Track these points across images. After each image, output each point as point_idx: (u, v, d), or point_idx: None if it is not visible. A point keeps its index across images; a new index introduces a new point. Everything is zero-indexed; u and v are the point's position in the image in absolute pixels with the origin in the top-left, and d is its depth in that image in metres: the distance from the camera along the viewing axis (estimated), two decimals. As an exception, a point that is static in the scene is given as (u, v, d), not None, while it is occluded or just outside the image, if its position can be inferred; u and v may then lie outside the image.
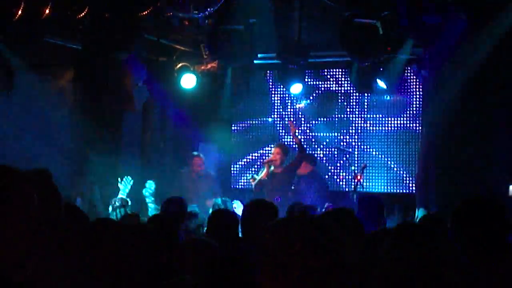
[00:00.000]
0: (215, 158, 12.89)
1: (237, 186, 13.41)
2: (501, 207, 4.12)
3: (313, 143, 13.30)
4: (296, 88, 12.15)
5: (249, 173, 12.26)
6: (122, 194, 9.98)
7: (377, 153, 12.77)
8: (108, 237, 3.15)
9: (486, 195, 4.43)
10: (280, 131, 13.47)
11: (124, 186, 10.00)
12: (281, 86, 12.80)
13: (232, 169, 13.54)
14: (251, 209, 5.76)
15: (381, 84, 11.64)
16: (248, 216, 5.65)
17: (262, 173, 11.24)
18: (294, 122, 12.64)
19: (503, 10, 8.98)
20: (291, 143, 12.76)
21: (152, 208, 9.97)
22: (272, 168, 11.18)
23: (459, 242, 4.01)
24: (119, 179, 10.22)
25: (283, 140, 13.17)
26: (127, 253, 3.14)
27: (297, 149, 11.46)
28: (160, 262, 4.68)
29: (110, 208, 9.62)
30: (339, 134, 13.14)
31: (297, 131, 11.95)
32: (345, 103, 13.14)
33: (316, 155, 13.06)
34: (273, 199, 9.53)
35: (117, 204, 9.59)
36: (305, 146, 12.06)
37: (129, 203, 9.82)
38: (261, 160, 12.20)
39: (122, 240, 3.16)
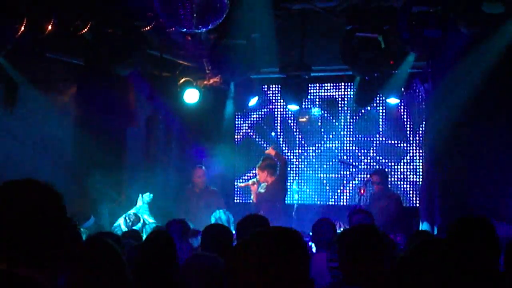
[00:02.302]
0: (218, 172, 12.89)
1: (241, 201, 13.41)
2: (491, 228, 4.14)
3: (316, 156, 13.31)
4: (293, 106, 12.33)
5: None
6: (136, 210, 10.07)
7: (380, 166, 12.74)
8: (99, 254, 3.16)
9: (477, 214, 4.42)
10: (283, 145, 13.48)
11: (143, 202, 10.11)
12: (284, 100, 12.79)
13: (235, 183, 13.55)
14: (244, 223, 5.80)
15: (392, 101, 11.75)
16: (241, 230, 5.68)
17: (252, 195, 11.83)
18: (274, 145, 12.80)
19: (504, 23, 8.98)
20: (293, 156, 12.89)
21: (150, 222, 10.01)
22: (263, 184, 11.66)
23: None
24: (140, 194, 10.32)
25: (285, 154, 13.21)
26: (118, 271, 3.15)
27: (278, 161, 11.73)
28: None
29: (123, 222, 9.67)
30: (342, 148, 13.14)
31: (272, 151, 12.06)
32: (348, 117, 13.15)
33: (319, 168, 13.11)
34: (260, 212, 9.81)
35: (129, 220, 9.67)
36: (308, 160, 12.12)
37: (141, 218, 9.87)
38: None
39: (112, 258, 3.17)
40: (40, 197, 2.51)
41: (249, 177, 13.18)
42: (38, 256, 2.44)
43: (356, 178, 12.42)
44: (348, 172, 12.72)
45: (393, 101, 11.89)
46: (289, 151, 13.43)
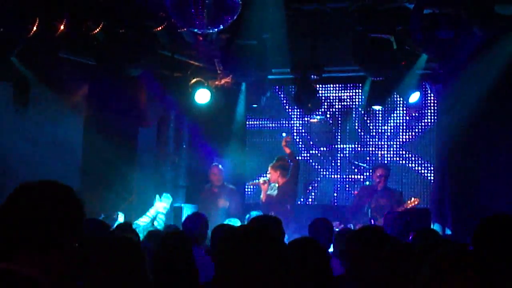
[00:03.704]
0: (229, 173, 12.88)
1: (251, 201, 13.39)
2: None
3: (328, 157, 13.30)
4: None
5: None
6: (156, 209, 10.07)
7: (392, 168, 12.71)
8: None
9: (506, 212, 4.30)
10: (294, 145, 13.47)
11: (161, 201, 10.09)
12: (295, 101, 12.74)
13: (246, 183, 13.53)
14: (256, 223, 5.77)
15: (414, 98, 11.56)
16: None
17: (262, 194, 11.76)
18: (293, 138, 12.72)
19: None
20: (305, 157, 12.87)
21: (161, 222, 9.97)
22: (273, 185, 11.62)
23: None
24: (157, 195, 10.31)
25: (298, 155, 13.20)
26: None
27: (290, 162, 11.64)
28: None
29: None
30: (353, 149, 13.13)
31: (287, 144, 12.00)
32: (360, 118, 13.13)
33: (331, 169, 13.10)
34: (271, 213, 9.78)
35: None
36: (320, 160, 12.09)
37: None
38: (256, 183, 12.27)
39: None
40: (56, 198, 2.52)
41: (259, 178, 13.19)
42: (45, 256, 2.44)
43: (368, 180, 12.38)
44: (359, 174, 12.67)
45: (413, 97, 11.63)
46: (301, 151, 13.40)
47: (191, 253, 5.38)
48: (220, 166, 12.23)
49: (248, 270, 2.81)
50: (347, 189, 13.12)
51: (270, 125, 13.66)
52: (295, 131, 13.55)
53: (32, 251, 2.43)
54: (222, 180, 12.13)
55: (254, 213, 10.08)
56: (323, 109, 13.25)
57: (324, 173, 13.31)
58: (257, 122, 13.71)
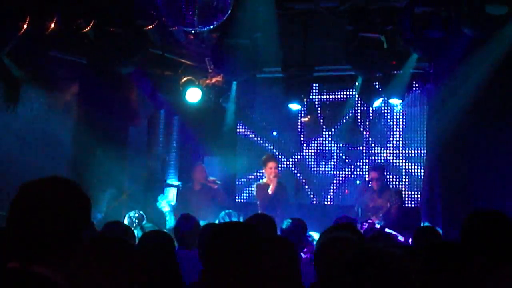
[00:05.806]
0: (220, 171, 12.88)
1: (242, 200, 13.41)
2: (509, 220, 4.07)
3: (319, 156, 13.30)
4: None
5: (253, 187, 12.20)
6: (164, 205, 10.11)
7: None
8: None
9: (494, 209, 4.35)
10: (285, 144, 13.48)
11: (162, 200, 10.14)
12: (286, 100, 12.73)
13: (236, 182, 13.54)
14: (250, 222, 5.75)
15: (394, 101, 11.73)
16: None
17: (270, 186, 11.50)
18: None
19: (507, 24, 8.97)
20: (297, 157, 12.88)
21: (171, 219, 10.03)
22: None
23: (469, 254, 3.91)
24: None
25: (289, 152, 13.24)
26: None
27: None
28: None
29: (127, 221, 9.64)
30: (344, 148, 13.14)
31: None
32: (351, 117, 13.14)
33: (322, 168, 13.11)
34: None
35: (134, 219, 9.65)
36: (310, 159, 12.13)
37: (145, 217, 9.87)
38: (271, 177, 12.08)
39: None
40: (65, 195, 2.51)
41: (249, 176, 13.21)
42: (56, 254, 2.44)
43: (358, 179, 12.42)
44: (349, 172, 12.70)
45: (395, 101, 11.89)
46: (291, 150, 13.41)
47: (172, 251, 5.30)
48: (203, 165, 12.20)
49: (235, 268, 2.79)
50: (337, 188, 13.13)
51: (261, 123, 13.65)
52: (286, 129, 13.55)
53: (45, 250, 2.42)
54: (206, 178, 12.09)
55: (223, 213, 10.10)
56: (313, 108, 13.27)
57: (314, 172, 13.31)
58: (248, 121, 13.69)
